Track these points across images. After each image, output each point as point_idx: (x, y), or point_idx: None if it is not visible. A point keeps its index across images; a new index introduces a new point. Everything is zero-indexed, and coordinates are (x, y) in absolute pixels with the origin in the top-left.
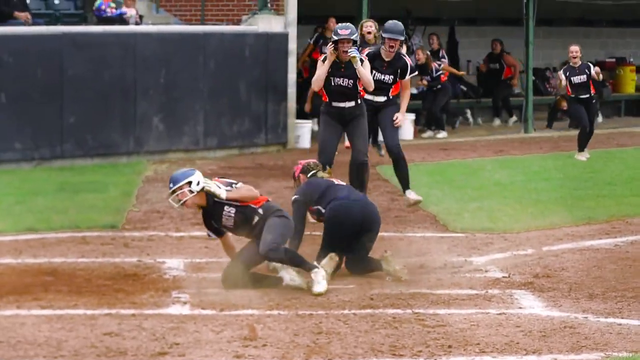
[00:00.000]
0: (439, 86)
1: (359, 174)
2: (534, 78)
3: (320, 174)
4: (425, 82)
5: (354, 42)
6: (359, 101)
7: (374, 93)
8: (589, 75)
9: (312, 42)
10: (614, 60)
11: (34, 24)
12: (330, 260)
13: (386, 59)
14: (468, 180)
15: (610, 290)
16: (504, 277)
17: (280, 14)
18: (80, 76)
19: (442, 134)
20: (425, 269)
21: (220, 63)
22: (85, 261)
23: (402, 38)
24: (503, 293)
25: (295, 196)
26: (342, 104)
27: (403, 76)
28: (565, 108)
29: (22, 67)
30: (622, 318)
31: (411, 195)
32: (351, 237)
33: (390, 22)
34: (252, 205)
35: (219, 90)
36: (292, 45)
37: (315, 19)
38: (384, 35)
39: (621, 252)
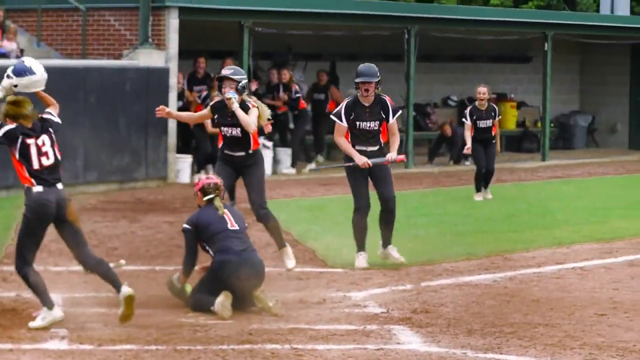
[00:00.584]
0: (296, 112)
1: (266, 227)
2: (414, 113)
3: (217, 202)
4: (285, 96)
5: (238, 83)
6: (250, 151)
7: (365, 143)
8: (494, 119)
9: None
10: (494, 96)
11: None
12: (226, 297)
13: (366, 105)
14: (348, 215)
15: (488, 326)
16: (382, 312)
17: (162, 48)
18: None
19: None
20: (304, 304)
21: (100, 97)
22: None
23: (377, 79)
24: (381, 328)
25: (187, 226)
26: (232, 152)
27: (387, 118)
28: (449, 134)
29: None
30: (501, 354)
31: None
32: (233, 289)
33: (362, 65)
34: (27, 184)
35: (100, 124)
36: (173, 80)
37: (196, 53)
38: (356, 80)
39: (500, 287)
